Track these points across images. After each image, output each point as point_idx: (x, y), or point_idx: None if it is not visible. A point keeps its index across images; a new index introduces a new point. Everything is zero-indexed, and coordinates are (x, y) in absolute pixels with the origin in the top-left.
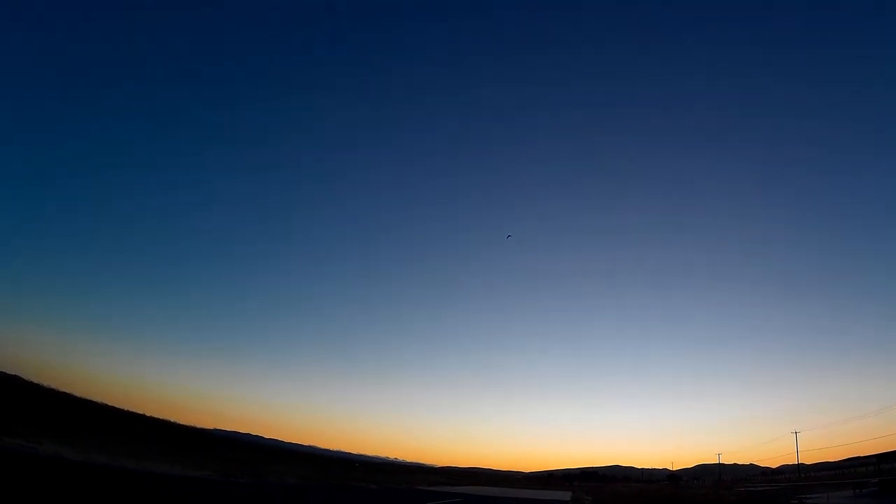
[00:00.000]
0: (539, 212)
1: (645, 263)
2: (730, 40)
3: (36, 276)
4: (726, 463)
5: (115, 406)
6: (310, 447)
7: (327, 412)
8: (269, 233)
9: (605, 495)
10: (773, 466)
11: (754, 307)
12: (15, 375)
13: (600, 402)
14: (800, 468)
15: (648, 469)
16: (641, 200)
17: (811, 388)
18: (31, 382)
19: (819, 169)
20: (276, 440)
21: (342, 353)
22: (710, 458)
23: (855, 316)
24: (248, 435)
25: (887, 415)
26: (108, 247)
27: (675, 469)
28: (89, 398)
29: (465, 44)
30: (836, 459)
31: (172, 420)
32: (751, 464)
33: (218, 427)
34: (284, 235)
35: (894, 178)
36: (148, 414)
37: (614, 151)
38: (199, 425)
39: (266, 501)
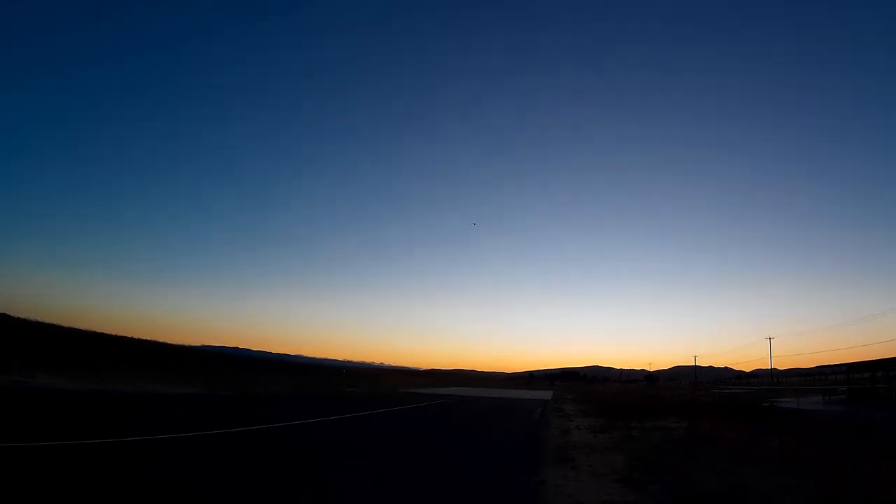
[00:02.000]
0: (519, 121)
1: (625, 170)
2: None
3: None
4: (702, 365)
5: (103, 332)
6: (296, 356)
7: (313, 322)
8: (249, 149)
9: (585, 394)
10: (748, 370)
11: (732, 216)
12: (2, 313)
13: (581, 304)
14: (773, 373)
15: (627, 370)
16: (623, 116)
17: (786, 296)
18: (19, 318)
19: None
20: (264, 352)
21: (326, 263)
22: (686, 361)
23: (831, 229)
24: (236, 349)
25: (860, 326)
26: (83, 175)
27: (652, 370)
28: (77, 327)
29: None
30: (809, 366)
31: (160, 340)
32: (725, 367)
33: (205, 343)
34: (265, 153)
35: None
36: (136, 337)
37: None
38: (186, 343)
39: (255, 412)
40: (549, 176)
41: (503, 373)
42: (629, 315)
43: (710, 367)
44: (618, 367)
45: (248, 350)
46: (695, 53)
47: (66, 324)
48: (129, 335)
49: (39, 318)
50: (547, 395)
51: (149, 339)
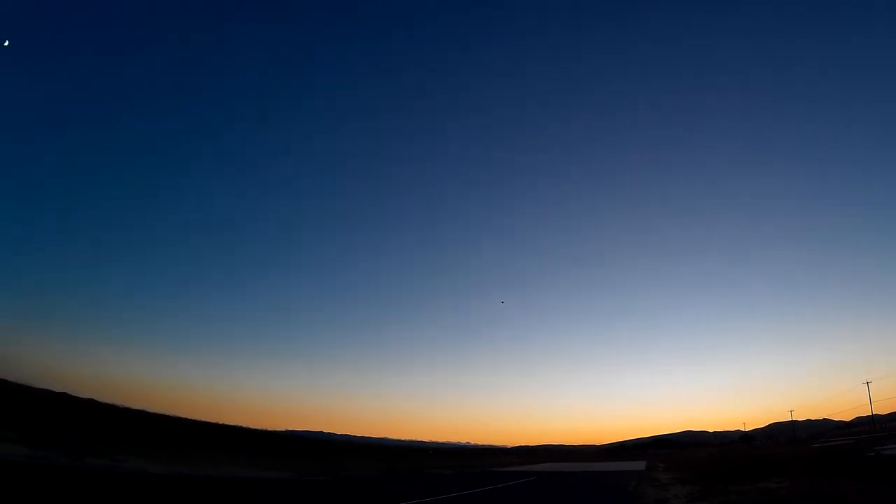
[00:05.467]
0: (573, 179)
1: (706, 221)
2: None
3: (75, 287)
4: (799, 419)
5: (190, 418)
6: (382, 439)
7: (397, 404)
8: (325, 228)
9: (679, 461)
10: (847, 419)
11: (820, 260)
12: (90, 399)
13: (668, 370)
14: (874, 419)
15: (721, 432)
16: (699, 150)
17: (880, 334)
18: (107, 404)
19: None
20: (349, 435)
21: (407, 343)
22: (782, 416)
23: None
24: (321, 433)
25: None
26: (159, 254)
27: (747, 430)
28: (165, 413)
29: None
30: None
31: (245, 426)
32: (824, 419)
33: (290, 428)
34: (342, 230)
35: None
36: (221, 422)
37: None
38: (271, 428)
39: (346, 495)
40: (624, 241)
41: (594, 445)
42: (719, 375)
43: (808, 421)
44: (711, 430)
45: (333, 434)
46: None
47: (153, 409)
48: (216, 421)
49: (127, 405)
50: (640, 465)
51: (234, 424)
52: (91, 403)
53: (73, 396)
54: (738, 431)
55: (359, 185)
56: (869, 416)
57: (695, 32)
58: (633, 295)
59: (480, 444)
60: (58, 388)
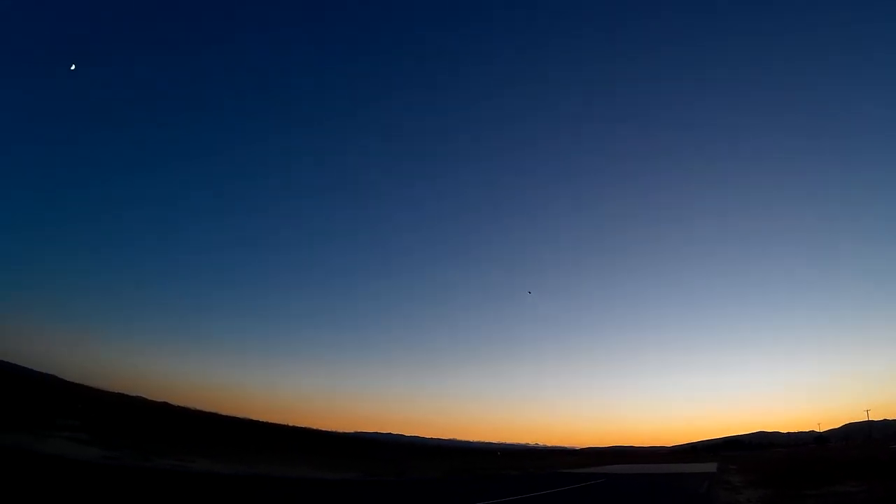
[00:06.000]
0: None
1: (783, 216)
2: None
3: (153, 296)
4: (875, 419)
5: (258, 420)
6: (450, 441)
7: (465, 405)
8: (394, 232)
9: (751, 463)
10: None
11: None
12: (163, 402)
13: (741, 369)
14: None
15: (794, 433)
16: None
17: None
18: (179, 406)
19: None
20: (417, 437)
21: (476, 345)
22: (858, 416)
23: None
24: (389, 434)
25: None
26: (227, 256)
27: (822, 430)
28: (234, 415)
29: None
30: None
31: (313, 427)
32: None
33: (358, 430)
34: (410, 235)
35: None
36: (290, 424)
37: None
38: (339, 430)
39: (413, 496)
40: (701, 235)
41: (664, 446)
42: (792, 374)
43: (885, 421)
44: (784, 431)
45: (401, 435)
46: None
47: (224, 412)
48: (284, 423)
49: (199, 407)
50: (711, 466)
51: (302, 426)
52: (164, 406)
53: (148, 400)
54: (812, 432)
55: (404, 188)
56: None
57: (698, 33)
58: (706, 293)
59: (548, 445)
60: (133, 393)
